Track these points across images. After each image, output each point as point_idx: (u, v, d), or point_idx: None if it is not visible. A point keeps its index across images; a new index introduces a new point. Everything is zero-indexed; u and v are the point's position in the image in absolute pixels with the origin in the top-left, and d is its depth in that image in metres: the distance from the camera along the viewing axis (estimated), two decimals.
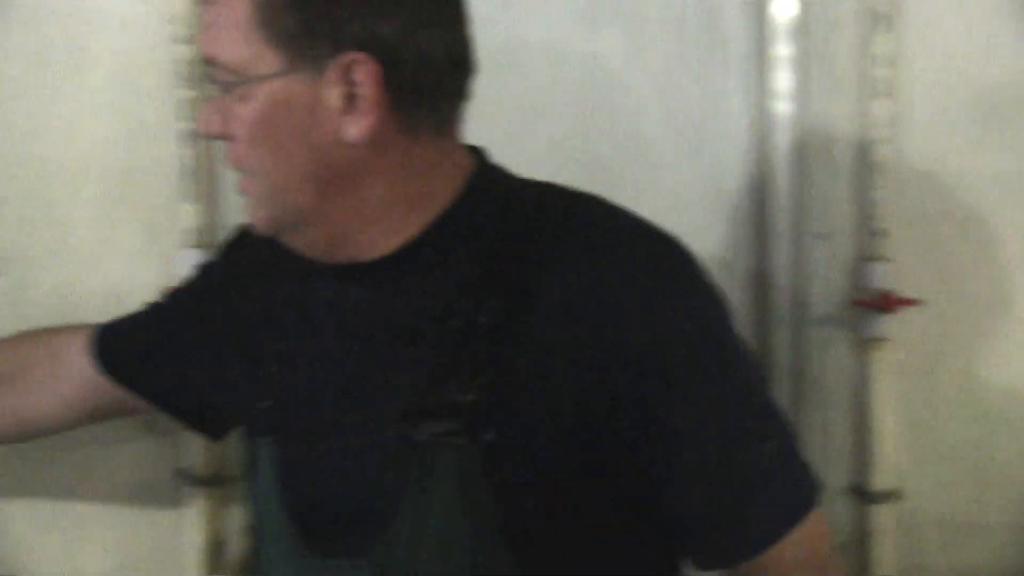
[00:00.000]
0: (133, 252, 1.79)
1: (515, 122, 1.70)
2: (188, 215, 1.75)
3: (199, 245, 1.74)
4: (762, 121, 1.79)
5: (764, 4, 1.76)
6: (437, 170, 1.24)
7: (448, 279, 1.27)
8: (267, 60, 1.17)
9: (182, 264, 1.72)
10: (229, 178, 1.71)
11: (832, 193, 1.78)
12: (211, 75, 1.23)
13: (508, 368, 1.23)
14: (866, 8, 1.76)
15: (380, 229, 1.25)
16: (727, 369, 1.26)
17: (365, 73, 1.15)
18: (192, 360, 1.50)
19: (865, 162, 1.77)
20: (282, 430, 1.34)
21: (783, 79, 1.76)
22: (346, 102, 1.16)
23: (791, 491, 1.26)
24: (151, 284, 1.76)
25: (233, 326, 1.44)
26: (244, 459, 1.42)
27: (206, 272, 1.53)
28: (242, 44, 1.19)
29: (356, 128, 1.17)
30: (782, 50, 1.76)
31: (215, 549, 1.75)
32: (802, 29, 1.76)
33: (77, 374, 1.54)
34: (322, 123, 1.18)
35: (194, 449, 1.71)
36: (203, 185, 1.76)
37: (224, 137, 1.22)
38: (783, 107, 1.76)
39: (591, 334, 1.21)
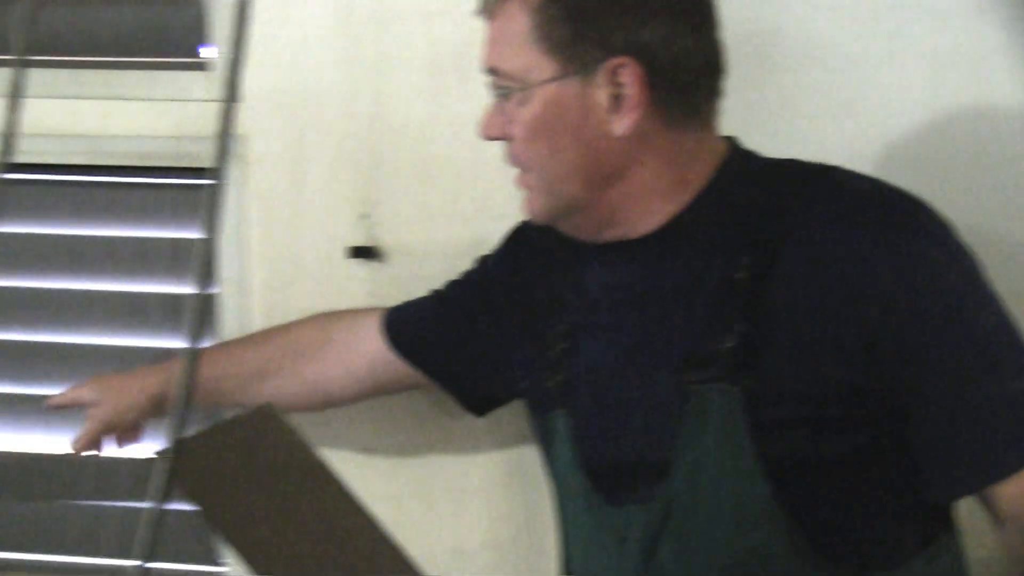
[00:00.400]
0: None
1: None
2: None
3: None
4: None
5: None
6: (695, 158, 1.38)
7: (705, 246, 1.41)
8: (543, 67, 1.34)
9: None
10: None
11: None
12: (493, 84, 1.39)
13: (762, 317, 1.36)
14: None
15: (644, 211, 1.40)
16: (975, 310, 1.35)
17: (630, 75, 1.30)
18: (472, 343, 1.67)
19: None
20: (574, 401, 1.49)
21: None
22: (613, 102, 1.32)
23: None
24: None
25: (517, 313, 1.60)
26: (538, 432, 1.57)
27: (485, 265, 1.68)
28: (521, 55, 1.36)
29: (622, 124, 1.32)
30: None
31: None
32: None
33: (368, 350, 1.71)
34: (592, 121, 1.34)
35: None
36: None
37: (504, 138, 1.39)
38: None
39: (839, 281, 1.34)
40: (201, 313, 0.87)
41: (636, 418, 1.46)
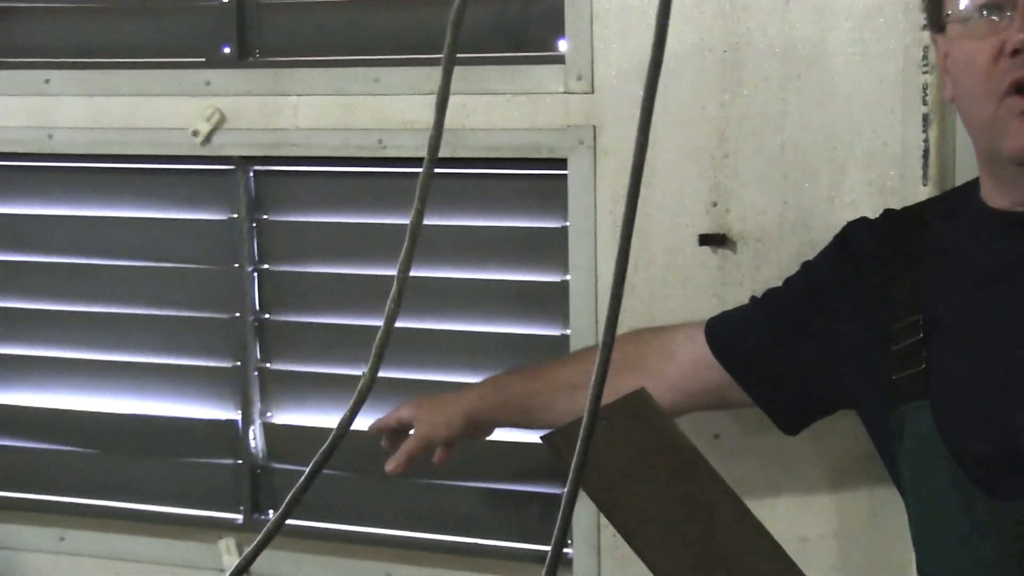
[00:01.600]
0: None
1: None
2: (924, 194, 1.76)
3: None
4: None
5: None
6: None
7: None
8: None
9: None
10: (963, 160, 1.79)
11: None
12: None
13: None
14: None
15: None
16: None
17: None
18: (795, 350, 1.61)
19: None
20: (936, 392, 1.42)
21: None
22: None
23: None
24: None
25: (851, 313, 1.54)
26: (880, 433, 1.51)
27: (809, 270, 1.63)
28: None
29: None
30: None
31: None
32: None
33: (686, 359, 1.67)
34: None
35: None
36: (938, 169, 1.78)
37: None
38: None
39: None
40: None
41: None
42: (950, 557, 1.47)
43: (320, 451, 0.91)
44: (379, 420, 1.77)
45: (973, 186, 1.55)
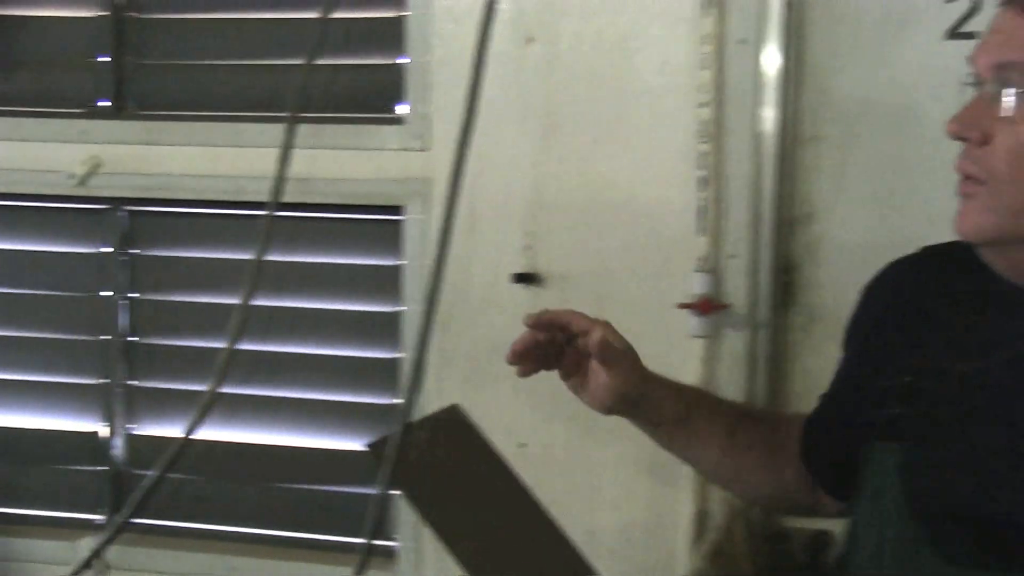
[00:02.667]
0: (654, 272, 2.00)
1: None
2: (700, 245, 1.93)
3: (706, 270, 1.93)
4: None
5: None
6: None
7: None
8: None
9: (694, 285, 1.92)
10: (732, 215, 1.95)
11: None
12: (1006, 78, 1.19)
13: None
14: None
15: None
16: None
17: None
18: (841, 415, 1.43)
19: None
20: (914, 437, 1.30)
21: None
22: None
23: None
24: (667, 299, 1.96)
25: (863, 354, 1.42)
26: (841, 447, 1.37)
27: (852, 322, 1.48)
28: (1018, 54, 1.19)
29: None
30: None
31: (701, 519, 1.92)
32: None
33: (788, 458, 1.51)
34: None
35: None
36: (712, 222, 1.94)
37: (978, 140, 1.20)
38: None
39: None
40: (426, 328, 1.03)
41: (1006, 471, 1.25)
42: None
43: (163, 458, 1.05)
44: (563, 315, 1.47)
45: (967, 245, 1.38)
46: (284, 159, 1.00)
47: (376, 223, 2.20)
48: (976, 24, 1.83)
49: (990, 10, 1.28)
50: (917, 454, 1.28)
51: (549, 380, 1.96)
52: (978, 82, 1.20)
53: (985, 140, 1.18)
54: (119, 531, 1.15)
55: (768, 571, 1.91)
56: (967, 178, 1.21)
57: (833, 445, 1.42)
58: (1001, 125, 1.17)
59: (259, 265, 0.99)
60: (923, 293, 1.37)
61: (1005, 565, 1.20)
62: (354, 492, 2.16)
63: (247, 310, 1.00)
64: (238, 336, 0.99)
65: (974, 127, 1.18)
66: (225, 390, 2.17)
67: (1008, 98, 1.16)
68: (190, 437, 1.20)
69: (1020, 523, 1.20)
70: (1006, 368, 1.25)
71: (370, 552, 1.05)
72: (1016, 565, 1.20)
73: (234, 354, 1.09)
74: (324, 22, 0.86)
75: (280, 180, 1.00)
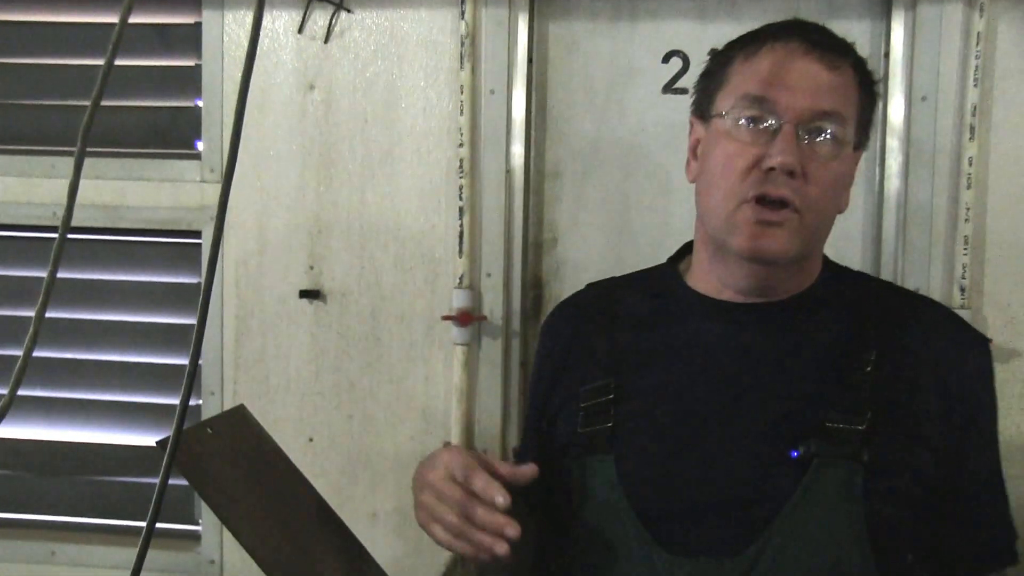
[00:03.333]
0: (421, 289, 2.11)
1: None
2: (459, 265, 2.06)
3: (465, 287, 2.06)
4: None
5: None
6: None
7: (826, 327, 1.32)
8: (851, 133, 1.29)
9: (455, 299, 2.05)
10: (486, 239, 2.05)
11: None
12: (819, 126, 1.26)
13: (886, 402, 1.27)
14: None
15: (806, 273, 1.35)
16: (996, 414, 1.36)
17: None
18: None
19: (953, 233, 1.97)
20: (625, 446, 1.32)
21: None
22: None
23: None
24: (433, 312, 2.08)
25: (553, 385, 1.43)
26: (561, 479, 1.36)
27: (537, 368, 1.50)
28: (850, 115, 1.29)
29: (848, 200, 1.34)
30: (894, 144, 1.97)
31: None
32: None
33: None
34: (848, 192, 1.33)
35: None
36: (470, 245, 2.06)
37: (798, 174, 1.25)
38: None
39: (945, 382, 1.30)
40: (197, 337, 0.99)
41: (731, 467, 1.29)
42: None
43: None
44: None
45: (672, 269, 1.47)
46: (73, 189, 1.04)
47: (176, 245, 2.25)
48: (686, 81, 1.98)
49: (697, 69, 1.39)
50: (631, 462, 1.30)
51: (332, 382, 2.14)
52: (777, 123, 1.25)
53: (804, 175, 1.25)
54: None
55: None
56: (782, 207, 1.25)
57: (548, 471, 1.35)
58: (817, 163, 1.26)
59: (53, 281, 1.02)
60: (609, 319, 1.41)
61: (718, 548, 1.25)
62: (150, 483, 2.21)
63: (40, 321, 1.04)
64: (32, 344, 1.03)
65: (798, 164, 1.24)
66: (36, 393, 2.27)
67: (825, 140, 1.25)
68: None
69: (724, 511, 1.26)
70: (692, 368, 1.32)
71: (150, 535, 1.05)
72: (726, 547, 1.25)
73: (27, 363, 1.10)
74: (112, 67, 0.92)
75: (70, 207, 1.04)
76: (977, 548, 1.34)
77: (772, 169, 1.24)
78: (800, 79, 1.25)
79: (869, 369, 1.28)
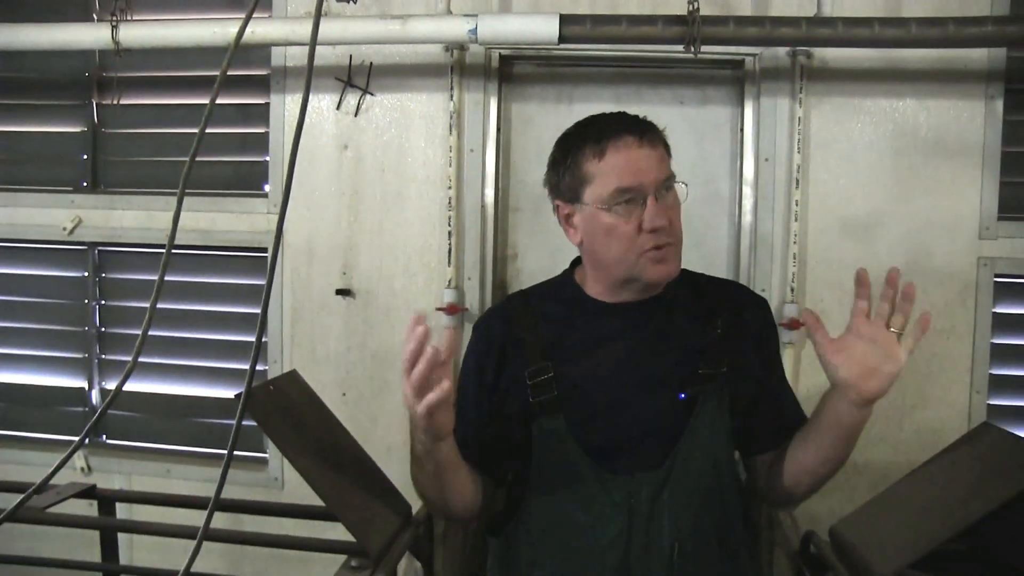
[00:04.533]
0: (425, 289, 2.54)
1: None
2: (448, 272, 2.50)
3: (453, 287, 2.48)
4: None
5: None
6: None
7: (688, 309, 1.65)
8: (674, 181, 1.58)
9: (445, 296, 2.45)
10: (467, 254, 2.41)
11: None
12: (666, 185, 1.55)
13: (732, 352, 1.62)
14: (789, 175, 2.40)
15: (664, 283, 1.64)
16: (779, 344, 1.75)
17: None
18: (494, 423, 1.69)
19: (786, 252, 2.40)
20: (567, 408, 1.60)
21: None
22: None
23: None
24: (431, 305, 2.49)
25: (498, 374, 1.67)
26: (516, 443, 1.62)
27: (467, 366, 1.73)
28: (670, 168, 1.58)
29: None
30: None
31: None
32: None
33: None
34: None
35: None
36: (456, 258, 2.49)
37: (671, 221, 1.55)
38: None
39: (755, 331, 1.65)
40: (260, 329, 1.13)
41: (645, 411, 1.58)
42: (582, 516, 1.60)
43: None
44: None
45: (567, 279, 1.74)
46: (176, 218, 1.27)
47: (251, 258, 2.66)
48: None
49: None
50: (575, 416, 1.61)
51: (359, 355, 2.48)
52: (644, 197, 1.54)
53: (670, 221, 1.57)
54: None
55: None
56: (668, 245, 1.57)
57: (498, 442, 1.65)
58: (671, 208, 1.58)
59: (162, 282, 1.26)
60: (534, 320, 1.67)
61: (645, 465, 1.56)
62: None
63: (154, 308, 1.25)
64: (148, 326, 1.26)
65: (667, 217, 1.56)
66: (153, 360, 2.65)
67: (671, 193, 1.57)
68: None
69: (644, 440, 1.56)
70: (606, 351, 1.64)
71: (230, 458, 1.25)
72: (651, 464, 1.56)
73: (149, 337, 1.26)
74: (204, 134, 1.22)
75: (173, 231, 1.28)
76: (785, 420, 1.69)
77: (655, 230, 1.55)
78: (645, 163, 1.56)
79: (719, 332, 1.65)
